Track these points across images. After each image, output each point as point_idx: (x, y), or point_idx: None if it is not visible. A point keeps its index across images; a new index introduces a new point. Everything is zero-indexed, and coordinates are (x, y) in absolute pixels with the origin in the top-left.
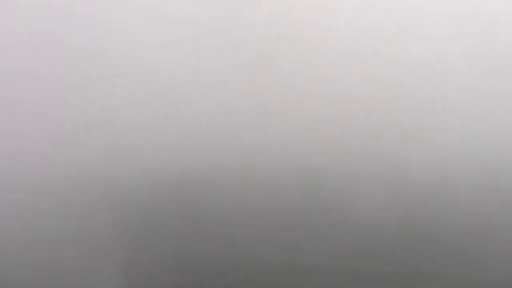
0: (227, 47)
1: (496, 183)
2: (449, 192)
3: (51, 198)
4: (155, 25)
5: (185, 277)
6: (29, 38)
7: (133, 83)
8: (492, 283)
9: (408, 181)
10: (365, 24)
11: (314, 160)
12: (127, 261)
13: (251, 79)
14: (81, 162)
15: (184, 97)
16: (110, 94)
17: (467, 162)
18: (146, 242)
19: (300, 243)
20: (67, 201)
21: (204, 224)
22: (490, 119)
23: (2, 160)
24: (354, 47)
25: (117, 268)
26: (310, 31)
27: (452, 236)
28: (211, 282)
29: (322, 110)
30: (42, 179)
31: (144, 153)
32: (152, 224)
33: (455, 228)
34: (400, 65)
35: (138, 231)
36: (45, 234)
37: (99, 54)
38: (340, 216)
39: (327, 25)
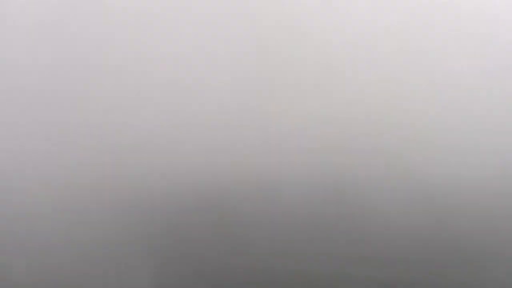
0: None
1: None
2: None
3: (73, 205)
4: (156, 25)
5: (210, 286)
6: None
7: (165, 94)
8: (494, 284)
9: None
10: (365, 24)
11: (337, 165)
12: (153, 270)
13: (277, 90)
14: (106, 168)
15: (214, 103)
16: (137, 105)
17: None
18: (171, 251)
19: (324, 251)
20: (88, 209)
21: (228, 232)
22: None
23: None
24: (354, 48)
25: (141, 277)
26: (314, 31)
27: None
28: None
29: (347, 114)
30: (69, 184)
31: (169, 160)
32: (177, 232)
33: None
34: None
35: (163, 239)
36: (67, 241)
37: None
38: (363, 222)
39: (327, 25)
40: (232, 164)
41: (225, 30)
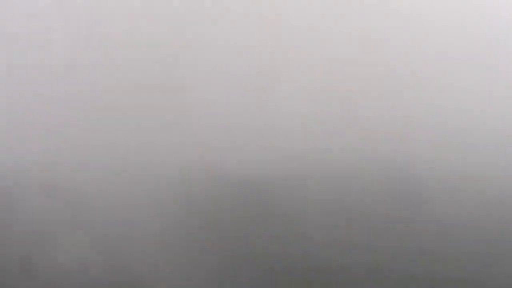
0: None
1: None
2: None
3: (119, 199)
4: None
5: (255, 279)
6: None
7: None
8: (494, 284)
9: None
10: (365, 24)
11: (397, 157)
12: (190, 262)
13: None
14: (154, 165)
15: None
16: (184, 99)
17: None
18: (209, 243)
19: (380, 245)
20: (134, 202)
21: (275, 226)
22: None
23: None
24: (355, 48)
25: (180, 268)
26: (315, 32)
27: None
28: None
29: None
30: (118, 181)
31: (214, 153)
32: (218, 225)
33: None
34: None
35: (202, 232)
36: (112, 232)
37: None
38: (420, 218)
39: (328, 25)
40: (283, 158)
41: (225, 30)
